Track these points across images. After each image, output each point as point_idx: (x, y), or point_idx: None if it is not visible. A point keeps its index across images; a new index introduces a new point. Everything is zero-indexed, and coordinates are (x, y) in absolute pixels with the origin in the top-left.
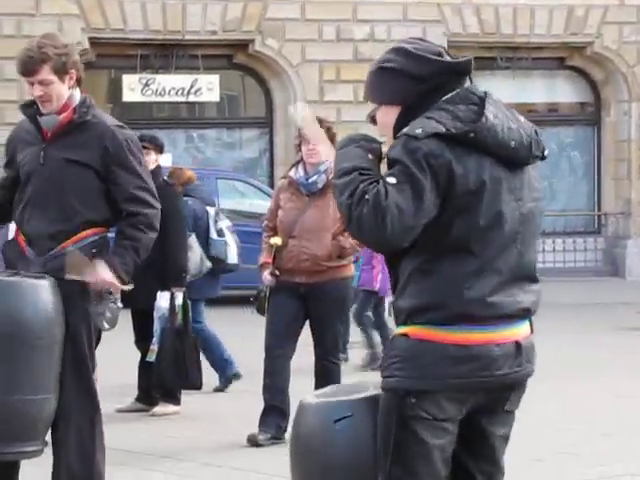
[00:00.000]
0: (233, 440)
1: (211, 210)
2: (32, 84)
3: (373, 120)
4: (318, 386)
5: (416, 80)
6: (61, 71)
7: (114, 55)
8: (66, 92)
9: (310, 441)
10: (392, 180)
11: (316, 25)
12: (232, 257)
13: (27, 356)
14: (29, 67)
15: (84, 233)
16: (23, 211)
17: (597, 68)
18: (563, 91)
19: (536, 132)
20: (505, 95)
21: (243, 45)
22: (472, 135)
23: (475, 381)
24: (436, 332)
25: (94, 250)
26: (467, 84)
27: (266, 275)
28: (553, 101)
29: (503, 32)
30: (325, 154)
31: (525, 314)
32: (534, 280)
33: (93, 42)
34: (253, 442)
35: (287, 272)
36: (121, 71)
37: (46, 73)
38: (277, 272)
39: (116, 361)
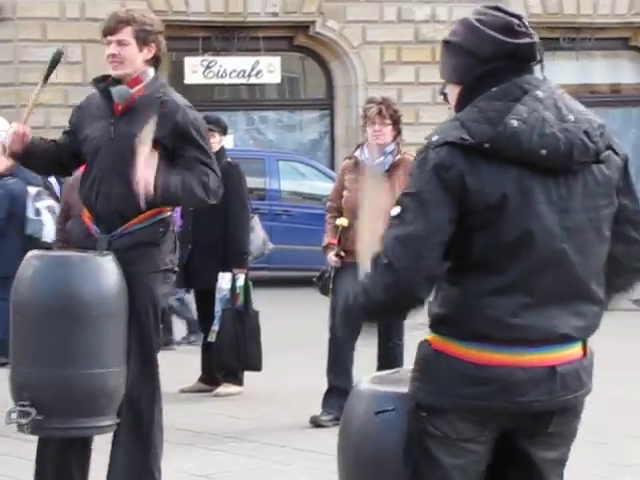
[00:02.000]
0: (296, 420)
1: (32, 190)
2: (110, 44)
3: (445, 96)
4: (381, 368)
5: (477, 59)
6: (141, 39)
7: (176, 37)
8: (140, 63)
9: (351, 427)
10: (395, 211)
11: (377, 6)
12: (47, 236)
13: (81, 330)
14: (112, 24)
15: (151, 212)
16: (91, 188)
17: None
18: (626, 72)
19: (588, 134)
20: (568, 76)
21: (304, 27)
22: (487, 146)
23: (491, 405)
24: (454, 345)
25: (161, 229)
26: (529, 75)
27: (331, 256)
28: (616, 82)
29: (566, 12)
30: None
31: (563, 340)
32: (590, 300)
33: None
34: (316, 423)
35: (353, 253)
36: (183, 53)
37: (126, 34)
38: (343, 253)
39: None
